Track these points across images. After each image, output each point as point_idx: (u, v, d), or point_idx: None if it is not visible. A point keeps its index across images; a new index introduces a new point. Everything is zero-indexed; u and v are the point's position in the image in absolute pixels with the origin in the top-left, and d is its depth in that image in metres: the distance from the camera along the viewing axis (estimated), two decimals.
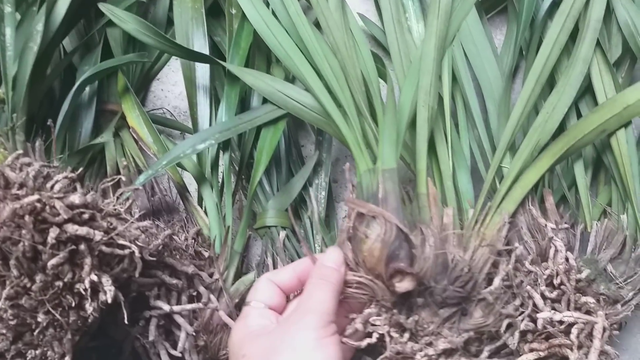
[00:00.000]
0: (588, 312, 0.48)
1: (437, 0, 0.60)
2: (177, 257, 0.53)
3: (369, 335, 0.46)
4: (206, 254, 0.54)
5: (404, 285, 0.44)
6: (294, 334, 0.41)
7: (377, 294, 0.46)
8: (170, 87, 0.77)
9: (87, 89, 0.65)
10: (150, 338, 0.48)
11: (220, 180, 0.62)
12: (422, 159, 0.53)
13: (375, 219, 0.46)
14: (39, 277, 0.41)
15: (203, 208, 0.59)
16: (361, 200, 0.48)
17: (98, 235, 0.43)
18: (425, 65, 0.56)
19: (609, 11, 0.65)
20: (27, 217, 0.41)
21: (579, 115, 0.63)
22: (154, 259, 0.48)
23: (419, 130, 0.54)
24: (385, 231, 0.45)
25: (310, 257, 0.47)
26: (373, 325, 0.46)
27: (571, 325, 0.47)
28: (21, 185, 0.43)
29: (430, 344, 0.45)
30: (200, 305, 0.50)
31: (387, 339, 0.45)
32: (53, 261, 0.41)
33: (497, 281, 0.47)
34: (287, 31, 0.60)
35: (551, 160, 0.55)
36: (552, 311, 0.48)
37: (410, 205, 0.52)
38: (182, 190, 0.60)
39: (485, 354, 0.48)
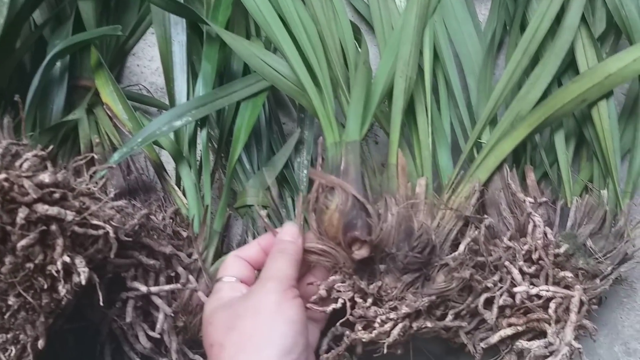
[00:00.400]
0: (567, 287, 0.48)
1: None
2: (155, 237, 0.52)
3: (335, 301, 0.47)
4: (184, 234, 0.53)
5: (361, 252, 0.46)
6: (256, 299, 0.43)
7: (339, 262, 0.47)
8: (146, 62, 0.74)
9: (59, 63, 0.62)
10: (128, 320, 0.47)
11: (198, 158, 0.60)
12: (396, 131, 0.53)
13: (335, 189, 0.47)
14: (8, 259, 0.40)
15: (181, 187, 0.58)
16: (323, 172, 0.49)
17: (70, 216, 0.41)
18: (406, 34, 0.55)
19: None
20: None
21: None
22: (130, 239, 0.46)
23: (394, 101, 0.54)
24: (342, 201, 0.46)
25: (272, 232, 0.49)
26: (338, 291, 0.47)
27: (549, 299, 0.48)
28: None
29: (394, 309, 0.47)
30: (179, 285, 0.49)
31: (348, 304, 0.47)
32: (23, 242, 0.39)
33: (461, 247, 0.48)
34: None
35: (528, 130, 0.54)
36: (529, 285, 0.48)
37: (380, 176, 0.52)
38: (159, 169, 0.58)
39: (450, 317, 0.49)
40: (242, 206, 0.60)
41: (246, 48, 0.58)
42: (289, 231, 0.49)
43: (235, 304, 0.44)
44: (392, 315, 0.46)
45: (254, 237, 0.57)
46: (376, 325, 0.46)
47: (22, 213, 0.39)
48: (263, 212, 0.58)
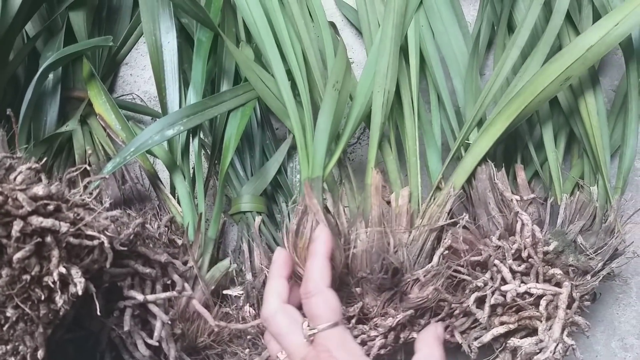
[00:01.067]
0: (557, 284, 0.49)
1: None
2: (150, 245, 0.52)
3: None
4: (180, 242, 0.53)
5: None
6: None
7: None
8: (139, 71, 0.75)
9: (51, 75, 0.63)
10: (126, 328, 0.48)
11: (192, 166, 0.61)
12: (373, 148, 0.53)
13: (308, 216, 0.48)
14: (5, 272, 0.40)
15: (176, 195, 0.58)
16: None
17: (64, 227, 0.41)
18: (383, 46, 0.55)
19: None
20: None
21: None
22: (126, 248, 0.47)
23: (372, 117, 0.54)
24: (313, 228, 0.47)
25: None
26: None
27: (540, 297, 0.48)
28: None
29: (377, 325, 0.48)
30: (175, 293, 0.49)
31: None
32: (19, 254, 0.40)
33: (435, 258, 0.49)
34: (264, 10, 0.59)
35: (506, 124, 0.53)
36: (517, 283, 0.49)
37: (360, 196, 0.53)
38: (153, 178, 0.58)
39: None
40: (236, 212, 0.61)
41: (244, 61, 0.58)
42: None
43: None
44: (375, 332, 0.47)
45: (248, 244, 0.58)
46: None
47: (17, 226, 0.40)
48: (258, 219, 0.59)
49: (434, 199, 0.53)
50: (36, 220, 0.41)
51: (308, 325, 0.43)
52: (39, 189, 0.42)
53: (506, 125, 0.53)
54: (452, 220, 0.52)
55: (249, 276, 0.55)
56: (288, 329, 0.43)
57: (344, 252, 0.48)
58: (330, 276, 0.44)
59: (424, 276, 0.49)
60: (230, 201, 0.63)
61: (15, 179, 0.44)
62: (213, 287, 0.53)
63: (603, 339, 0.63)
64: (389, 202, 0.54)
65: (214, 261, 0.56)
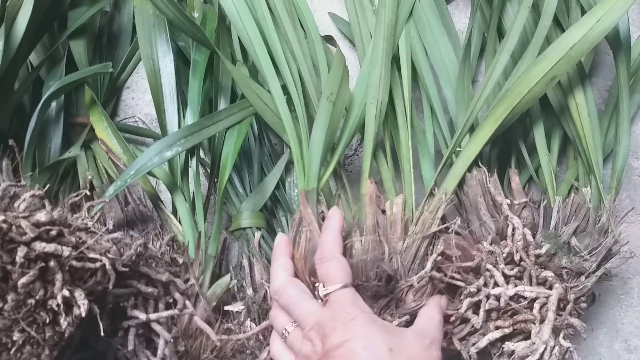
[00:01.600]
0: (551, 287, 0.49)
1: None
2: (153, 265, 0.54)
3: None
4: (181, 260, 0.54)
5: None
6: None
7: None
8: (140, 94, 0.77)
9: (54, 103, 0.65)
10: (130, 348, 0.49)
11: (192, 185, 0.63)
12: (367, 159, 0.54)
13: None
14: (10, 297, 0.42)
15: (177, 215, 0.60)
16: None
17: (67, 251, 0.43)
18: (375, 58, 0.57)
19: None
20: None
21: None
22: (128, 269, 0.48)
23: (366, 129, 0.55)
24: (304, 246, 0.49)
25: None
26: None
27: (534, 300, 0.48)
28: None
29: None
30: (176, 311, 0.50)
31: None
32: (23, 280, 0.41)
33: (428, 265, 0.49)
34: (258, 28, 0.61)
35: (494, 127, 0.53)
36: (506, 287, 0.49)
37: (355, 206, 0.54)
38: (155, 199, 0.60)
39: None
40: (237, 229, 0.62)
41: (242, 79, 0.60)
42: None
43: None
44: None
45: (249, 260, 0.59)
46: None
47: (21, 252, 0.41)
48: (257, 234, 0.60)
49: (427, 206, 0.54)
50: (39, 246, 0.42)
51: (323, 286, 0.46)
52: (41, 216, 0.43)
53: (494, 128, 0.53)
54: (444, 225, 0.53)
55: (249, 291, 0.56)
56: (300, 297, 0.46)
57: None
58: (342, 247, 0.48)
59: (418, 282, 0.49)
60: (231, 218, 0.64)
61: (18, 206, 0.46)
62: (214, 304, 0.55)
63: (606, 341, 0.62)
64: (384, 211, 0.55)
65: (215, 278, 0.57)
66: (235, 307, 0.54)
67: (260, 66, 0.60)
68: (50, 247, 0.42)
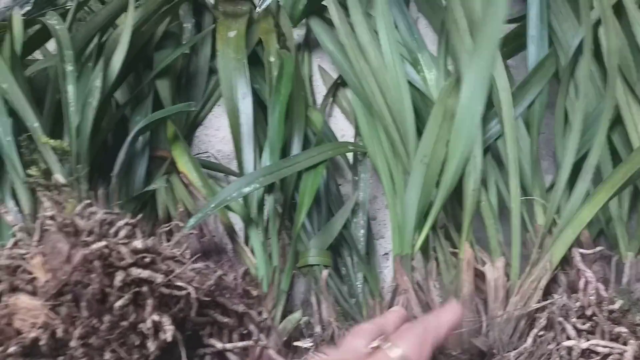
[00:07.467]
0: (625, 344, 0.48)
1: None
2: (227, 296, 0.56)
3: None
4: (254, 293, 0.56)
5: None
6: None
7: None
8: (213, 131, 0.81)
9: (140, 138, 0.70)
10: None
11: (265, 221, 0.65)
12: (467, 218, 0.53)
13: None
14: (106, 318, 0.45)
15: (249, 247, 0.62)
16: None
17: (159, 278, 0.46)
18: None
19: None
20: (95, 262, 0.45)
21: (612, 149, 0.64)
22: (209, 299, 0.51)
23: (465, 186, 0.55)
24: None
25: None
26: None
27: (607, 356, 0.48)
28: (89, 233, 0.47)
29: None
30: (251, 342, 0.52)
31: None
32: (119, 302, 0.44)
33: (529, 340, 0.48)
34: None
35: (609, 193, 0.51)
36: (579, 340, 0.48)
37: (454, 269, 0.53)
38: (230, 231, 0.63)
39: None
40: (304, 265, 0.64)
41: None
42: None
43: None
44: None
45: (317, 297, 0.60)
46: None
47: (119, 276, 0.45)
48: (324, 272, 0.61)
49: (530, 275, 0.52)
50: (135, 272, 0.45)
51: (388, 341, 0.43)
52: (138, 243, 0.47)
53: (610, 194, 0.52)
54: (548, 302, 0.51)
55: (317, 329, 0.57)
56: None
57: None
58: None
59: (516, 359, 0.48)
60: (296, 254, 0.66)
61: (116, 233, 0.49)
62: (285, 339, 0.56)
63: None
64: (483, 273, 0.54)
65: (285, 313, 0.58)
66: (305, 343, 0.55)
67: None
68: (145, 274, 0.45)
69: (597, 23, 0.66)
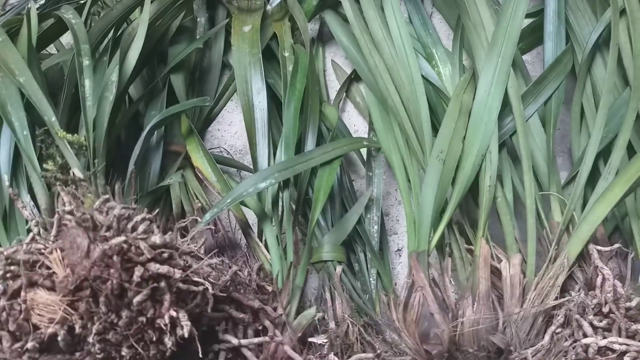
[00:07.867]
0: None
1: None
2: (242, 291, 0.56)
3: None
4: (269, 289, 0.56)
5: (435, 354, 0.47)
6: None
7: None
8: (226, 127, 0.81)
9: (155, 132, 0.70)
10: None
11: (279, 216, 0.65)
12: (483, 215, 0.52)
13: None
14: (124, 313, 0.45)
15: (263, 242, 0.62)
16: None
17: (177, 273, 0.46)
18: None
19: None
20: (115, 257, 0.45)
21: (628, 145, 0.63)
22: (224, 294, 0.51)
23: (481, 182, 0.55)
24: (415, 313, 0.49)
25: None
26: None
27: (624, 353, 0.47)
28: (108, 228, 0.47)
29: None
30: (267, 338, 0.52)
31: None
32: (138, 298, 0.45)
33: (546, 337, 0.48)
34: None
35: (625, 188, 0.51)
36: (599, 338, 0.48)
37: (470, 266, 0.53)
38: (245, 226, 0.63)
39: None
40: (318, 261, 0.64)
41: None
42: None
43: None
44: None
45: (330, 292, 0.60)
46: None
47: (138, 271, 0.45)
48: (338, 268, 0.61)
49: (547, 271, 0.52)
50: (154, 267, 0.45)
51: None
52: (156, 238, 0.47)
53: (626, 189, 0.51)
54: (566, 299, 0.51)
55: (332, 324, 0.57)
56: None
57: (451, 326, 0.49)
58: None
59: (533, 356, 0.48)
60: (310, 250, 0.66)
61: (133, 228, 0.49)
62: (299, 334, 0.56)
63: None
64: (498, 270, 0.54)
65: (299, 309, 0.59)
66: (319, 339, 0.55)
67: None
68: (163, 269, 0.45)
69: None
